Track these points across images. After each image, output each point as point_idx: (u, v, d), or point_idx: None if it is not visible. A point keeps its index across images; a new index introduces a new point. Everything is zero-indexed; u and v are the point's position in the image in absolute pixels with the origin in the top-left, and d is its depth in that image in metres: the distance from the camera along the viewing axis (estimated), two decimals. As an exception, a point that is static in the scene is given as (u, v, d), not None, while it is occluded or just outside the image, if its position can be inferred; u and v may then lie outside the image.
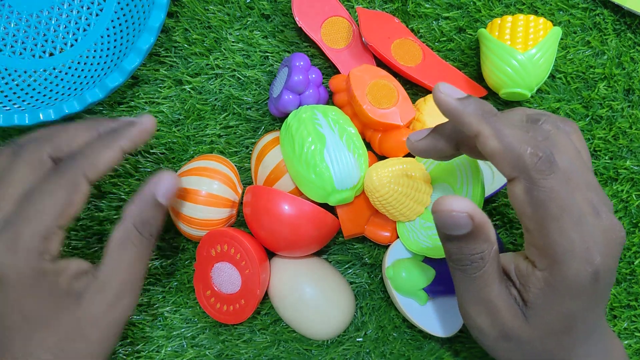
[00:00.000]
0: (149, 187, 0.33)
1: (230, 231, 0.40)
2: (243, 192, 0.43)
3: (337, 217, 0.41)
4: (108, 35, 0.47)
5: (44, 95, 0.45)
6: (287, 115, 0.43)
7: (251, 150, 0.45)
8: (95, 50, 0.47)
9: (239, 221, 0.44)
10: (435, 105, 0.31)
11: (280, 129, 0.45)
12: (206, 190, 0.40)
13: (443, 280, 0.40)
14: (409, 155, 0.41)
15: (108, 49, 0.46)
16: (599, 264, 0.29)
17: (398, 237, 0.42)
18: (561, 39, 0.46)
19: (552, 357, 0.32)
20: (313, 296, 0.40)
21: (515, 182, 0.29)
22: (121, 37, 0.46)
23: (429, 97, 0.43)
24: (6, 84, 0.45)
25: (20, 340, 0.31)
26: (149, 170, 0.45)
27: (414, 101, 0.44)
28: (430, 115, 0.42)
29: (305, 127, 0.39)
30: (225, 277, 0.40)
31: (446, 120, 0.36)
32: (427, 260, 0.41)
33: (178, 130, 0.45)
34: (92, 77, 0.46)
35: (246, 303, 0.40)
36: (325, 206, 0.43)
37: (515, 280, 0.31)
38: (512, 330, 0.31)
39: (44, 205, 0.31)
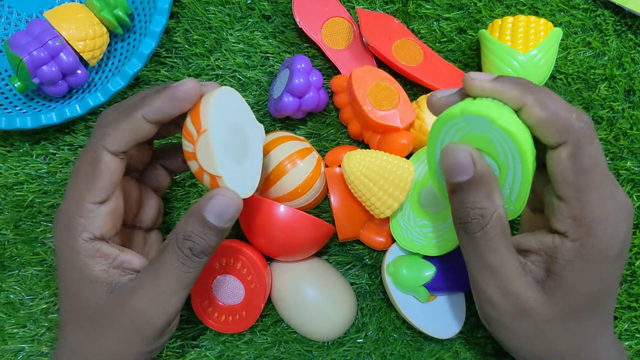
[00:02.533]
0: (200, 202, 0.31)
1: (237, 245, 0.40)
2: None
3: (334, 220, 0.41)
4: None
5: (45, 98, 0.45)
6: (286, 117, 0.43)
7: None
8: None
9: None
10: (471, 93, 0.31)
11: (280, 129, 0.45)
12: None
13: (444, 276, 0.40)
14: (407, 158, 0.41)
15: (109, 51, 0.46)
16: (625, 236, 0.30)
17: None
18: (562, 39, 0.46)
19: (574, 345, 0.32)
20: (315, 297, 0.40)
21: (561, 148, 0.29)
22: (122, 41, 0.46)
23: None
24: (6, 85, 0.45)
25: (61, 307, 0.34)
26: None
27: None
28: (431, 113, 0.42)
29: None
30: (228, 290, 0.40)
31: None
32: (428, 256, 0.41)
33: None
34: (94, 80, 0.46)
35: (247, 314, 0.40)
36: (321, 208, 0.43)
37: (539, 254, 0.31)
38: (528, 302, 0.31)
39: (74, 182, 0.32)
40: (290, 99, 0.41)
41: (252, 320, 0.40)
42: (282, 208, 0.39)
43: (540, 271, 0.31)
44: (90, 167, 0.31)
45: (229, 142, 0.32)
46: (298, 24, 0.44)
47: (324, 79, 0.46)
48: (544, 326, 0.31)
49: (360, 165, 0.39)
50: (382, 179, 0.38)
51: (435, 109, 0.33)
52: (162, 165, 0.39)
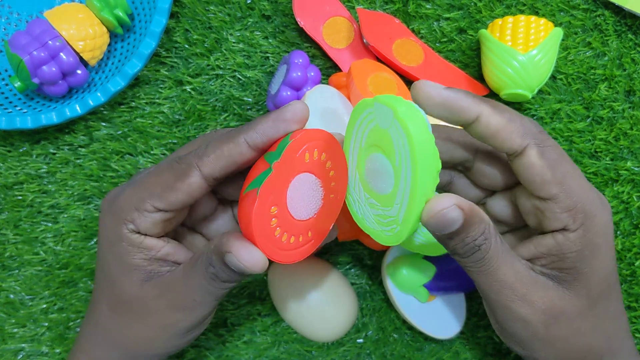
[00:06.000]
0: (227, 244, 0.28)
1: (332, 137, 0.30)
2: None
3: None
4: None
5: (45, 98, 0.45)
6: None
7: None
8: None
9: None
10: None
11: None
12: None
13: (444, 276, 0.40)
14: None
15: (109, 51, 0.46)
16: (610, 214, 0.31)
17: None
18: (562, 40, 0.46)
19: (605, 335, 0.32)
20: (316, 297, 0.40)
21: (527, 151, 0.29)
22: (122, 41, 0.46)
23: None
24: (6, 85, 0.45)
25: (97, 287, 0.34)
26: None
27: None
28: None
29: None
30: (304, 196, 0.30)
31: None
32: (428, 257, 0.41)
33: (179, 130, 0.45)
34: (94, 80, 0.46)
35: (313, 236, 0.31)
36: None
37: (542, 257, 0.31)
38: (555, 304, 0.30)
39: (149, 181, 0.31)
40: (289, 92, 0.41)
41: (316, 245, 0.31)
42: None
43: (551, 271, 0.31)
44: (173, 178, 0.30)
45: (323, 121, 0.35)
46: (299, 23, 0.44)
47: (324, 79, 0.46)
48: (578, 323, 0.31)
49: None
50: None
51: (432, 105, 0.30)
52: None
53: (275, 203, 0.28)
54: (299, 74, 0.41)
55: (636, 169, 0.45)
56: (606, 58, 0.46)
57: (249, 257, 0.28)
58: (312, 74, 0.42)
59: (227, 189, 0.35)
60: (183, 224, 0.35)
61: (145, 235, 0.31)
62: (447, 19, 0.46)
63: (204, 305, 0.32)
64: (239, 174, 0.33)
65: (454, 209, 0.27)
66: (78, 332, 0.36)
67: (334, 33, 0.45)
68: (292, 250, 0.30)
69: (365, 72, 0.41)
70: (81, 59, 0.43)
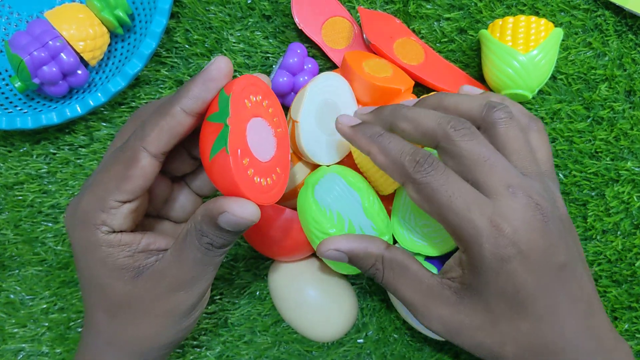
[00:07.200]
0: (216, 205, 0.29)
1: (257, 77, 0.32)
2: None
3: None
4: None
5: (46, 98, 0.45)
6: (281, 96, 0.43)
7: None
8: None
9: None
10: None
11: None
12: None
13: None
14: None
15: (110, 51, 0.47)
16: (515, 238, 0.29)
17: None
18: (562, 40, 0.46)
19: (526, 345, 0.31)
20: (316, 298, 0.40)
21: (405, 186, 0.32)
22: (122, 41, 0.46)
23: (432, 94, 0.43)
24: (7, 85, 0.45)
25: (87, 297, 0.34)
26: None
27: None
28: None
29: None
30: (261, 139, 0.31)
31: None
32: (428, 257, 0.41)
33: (179, 131, 0.45)
34: (94, 80, 0.46)
35: (281, 172, 0.33)
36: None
37: (455, 269, 0.32)
38: (452, 320, 0.32)
39: (101, 179, 0.31)
40: (285, 78, 0.41)
41: (285, 180, 0.33)
42: (286, 212, 0.39)
43: (456, 285, 0.32)
44: (124, 168, 0.30)
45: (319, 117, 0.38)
46: (298, 24, 0.44)
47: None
48: (480, 337, 0.32)
49: None
50: None
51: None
52: (188, 153, 0.36)
53: (244, 155, 0.29)
54: (296, 59, 0.41)
55: (636, 169, 0.45)
56: (606, 58, 0.46)
57: (244, 210, 0.29)
58: (310, 65, 0.43)
59: (173, 164, 0.35)
60: (147, 215, 0.35)
61: (121, 232, 0.31)
62: (448, 19, 0.46)
63: (203, 279, 0.32)
64: (179, 147, 0.34)
65: (331, 252, 0.34)
66: (79, 344, 0.36)
67: (333, 33, 0.45)
68: (273, 190, 0.31)
69: (359, 59, 0.42)
70: (81, 59, 0.43)
